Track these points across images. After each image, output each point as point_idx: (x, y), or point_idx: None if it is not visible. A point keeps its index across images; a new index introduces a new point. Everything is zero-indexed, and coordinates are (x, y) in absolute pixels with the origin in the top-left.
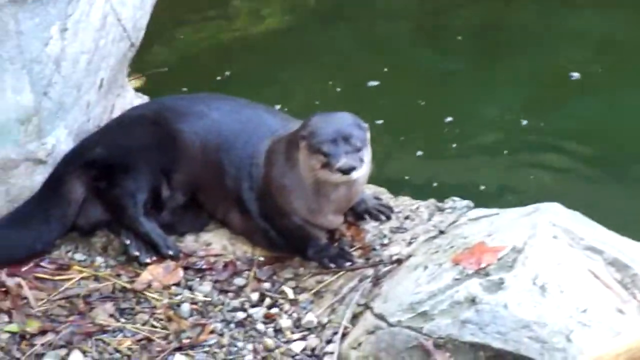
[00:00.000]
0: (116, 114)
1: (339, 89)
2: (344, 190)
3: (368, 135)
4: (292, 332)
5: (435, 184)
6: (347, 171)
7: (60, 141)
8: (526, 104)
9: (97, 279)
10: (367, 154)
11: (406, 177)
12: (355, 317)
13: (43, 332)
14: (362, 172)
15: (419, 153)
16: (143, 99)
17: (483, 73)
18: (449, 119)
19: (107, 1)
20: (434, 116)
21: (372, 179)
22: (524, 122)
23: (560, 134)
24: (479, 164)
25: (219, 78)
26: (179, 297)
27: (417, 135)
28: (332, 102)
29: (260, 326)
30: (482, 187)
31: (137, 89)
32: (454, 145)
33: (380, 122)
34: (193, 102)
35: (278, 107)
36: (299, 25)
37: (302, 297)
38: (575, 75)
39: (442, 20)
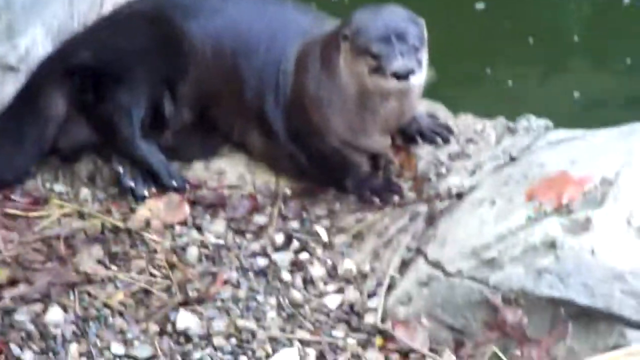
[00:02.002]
0: (107, 9)
1: None
2: (394, 102)
3: (425, 33)
4: (326, 283)
5: (505, 99)
6: (404, 75)
7: (36, 43)
8: None
9: (81, 216)
10: (425, 56)
11: (469, 90)
12: (404, 265)
13: (13, 283)
14: (422, 76)
15: (485, 61)
16: None
17: None
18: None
19: None
20: (499, 17)
21: (427, 92)
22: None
23: None
24: (559, 74)
25: None
26: (184, 239)
27: (482, 39)
28: None
29: (285, 275)
30: (564, 102)
31: None
32: (528, 51)
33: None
34: None
35: None
36: None
37: (339, 239)
38: None
39: None
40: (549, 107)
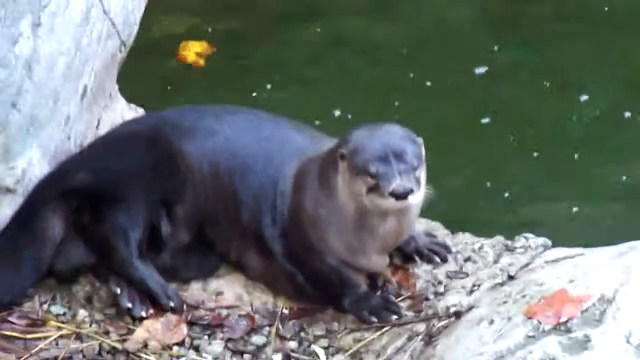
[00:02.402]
0: (103, 130)
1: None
2: (393, 222)
3: (423, 151)
4: None
5: (503, 218)
6: (402, 195)
7: (33, 164)
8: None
9: (79, 337)
10: (423, 175)
11: (467, 210)
12: None
13: None
14: (421, 195)
15: (483, 178)
16: (137, 112)
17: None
18: (519, 137)
19: None
20: (499, 133)
21: (424, 211)
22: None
23: None
24: (558, 193)
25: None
26: None
27: (480, 155)
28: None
29: None
30: (562, 222)
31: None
32: (527, 171)
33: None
34: (200, 115)
35: None
36: None
37: (337, 359)
38: None
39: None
40: (547, 225)
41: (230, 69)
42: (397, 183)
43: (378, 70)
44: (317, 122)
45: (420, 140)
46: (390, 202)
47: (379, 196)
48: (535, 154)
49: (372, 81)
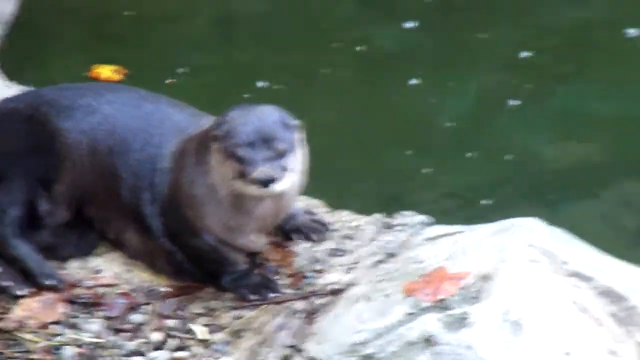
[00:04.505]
0: None
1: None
2: (269, 204)
3: (298, 135)
4: None
5: (382, 195)
6: (264, 183)
7: None
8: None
9: None
10: (295, 160)
11: (346, 187)
12: None
13: None
14: (287, 183)
15: (362, 156)
16: (15, 90)
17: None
18: (398, 113)
19: None
20: (380, 110)
21: (304, 189)
22: (490, 120)
23: (540, 130)
24: (437, 170)
25: None
26: (60, 339)
27: (359, 134)
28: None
29: None
30: (442, 199)
31: None
32: (406, 146)
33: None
34: (79, 93)
35: None
36: None
37: (216, 337)
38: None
39: None
40: (426, 202)
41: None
42: (260, 171)
43: None
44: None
45: (296, 123)
46: (254, 190)
47: (243, 182)
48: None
49: None
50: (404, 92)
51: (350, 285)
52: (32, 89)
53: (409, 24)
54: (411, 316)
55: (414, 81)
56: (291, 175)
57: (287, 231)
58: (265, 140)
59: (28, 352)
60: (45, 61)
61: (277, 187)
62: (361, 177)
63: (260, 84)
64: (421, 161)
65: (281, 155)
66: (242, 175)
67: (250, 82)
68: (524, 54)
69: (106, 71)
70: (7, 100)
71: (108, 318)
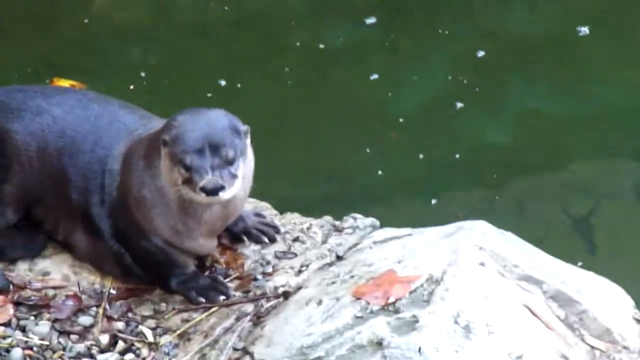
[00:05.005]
0: None
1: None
2: (218, 209)
3: (247, 140)
4: None
5: (331, 198)
6: (212, 192)
7: None
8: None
9: None
10: (243, 166)
11: (295, 190)
12: None
13: None
14: (235, 190)
15: (311, 159)
16: None
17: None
18: (348, 118)
19: None
20: (330, 112)
21: (253, 192)
22: (441, 121)
23: (490, 135)
24: (386, 173)
25: None
26: (8, 341)
27: (307, 137)
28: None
29: None
30: (391, 202)
31: None
32: (355, 150)
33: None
34: (27, 95)
35: None
36: None
37: (164, 339)
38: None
39: None
40: (375, 205)
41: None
42: (208, 179)
43: None
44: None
45: (245, 128)
46: (202, 197)
47: (191, 190)
48: (364, 137)
49: None
50: (362, 88)
51: (299, 288)
52: None
53: (369, 20)
54: (360, 319)
55: (374, 76)
56: (239, 181)
57: (236, 233)
58: (214, 148)
59: None
60: None
61: (225, 195)
62: (311, 177)
63: (221, 82)
64: (371, 161)
65: (230, 162)
66: (190, 182)
67: (210, 81)
68: (480, 53)
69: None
70: None
71: (56, 320)
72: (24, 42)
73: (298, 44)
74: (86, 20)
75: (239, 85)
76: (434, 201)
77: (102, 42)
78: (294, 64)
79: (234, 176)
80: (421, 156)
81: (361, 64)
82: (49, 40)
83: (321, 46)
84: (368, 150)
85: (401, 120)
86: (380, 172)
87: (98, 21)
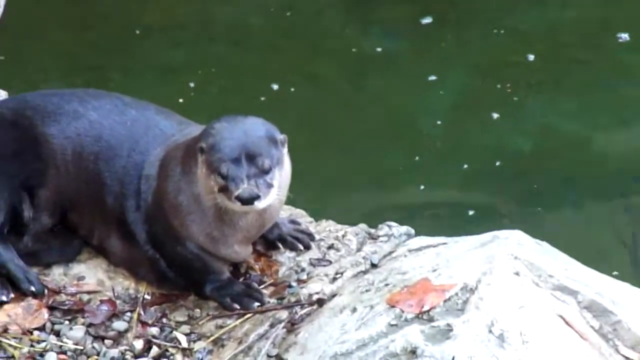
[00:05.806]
0: None
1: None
2: (254, 217)
3: (284, 149)
4: None
5: (367, 206)
6: (247, 201)
7: None
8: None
9: None
10: (279, 175)
11: (330, 197)
12: None
13: None
14: (270, 199)
15: (347, 167)
16: (0, 95)
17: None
18: (385, 125)
19: None
20: (366, 122)
21: (288, 199)
22: (475, 133)
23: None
24: (422, 183)
25: None
26: (43, 345)
27: (344, 146)
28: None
29: None
30: (426, 211)
31: None
32: (392, 160)
33: (297, 127)
34: (64, 99)
35: None
36: None
37: (198, 345)
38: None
39: None
40: (410, 213)
41: None
42: (243, 188)
43: None
44: None
45: (282, 137)
46: (237, 206)
47: (227, 198)
48: (399, 143)
49: None
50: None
51: (334, 295)
52: (16, 95)
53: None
54: (394, 327)
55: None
56: (275, 190)
57: (271, 240)
58: (250, 157)
59: (11, 358)
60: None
61: (260, 205)
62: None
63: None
64: (406, 170)
65: (266, 171)
66: (226, 191)
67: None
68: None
69: None
70: None
71: (91, 325)
72: (62, 45)
73: (337, 49)
74: (130, 25)
75: (289, 90)
76: (470, 212)
77: (149, 45)
78: (335, 70)
79: (270, 185)
80: (465, 166)
81: (402, 72)
82: (88, 43)
83: (360, 53)
84: (403, 158)
85: (438, 124)
86: (416, 181)
87: (143, 25)
